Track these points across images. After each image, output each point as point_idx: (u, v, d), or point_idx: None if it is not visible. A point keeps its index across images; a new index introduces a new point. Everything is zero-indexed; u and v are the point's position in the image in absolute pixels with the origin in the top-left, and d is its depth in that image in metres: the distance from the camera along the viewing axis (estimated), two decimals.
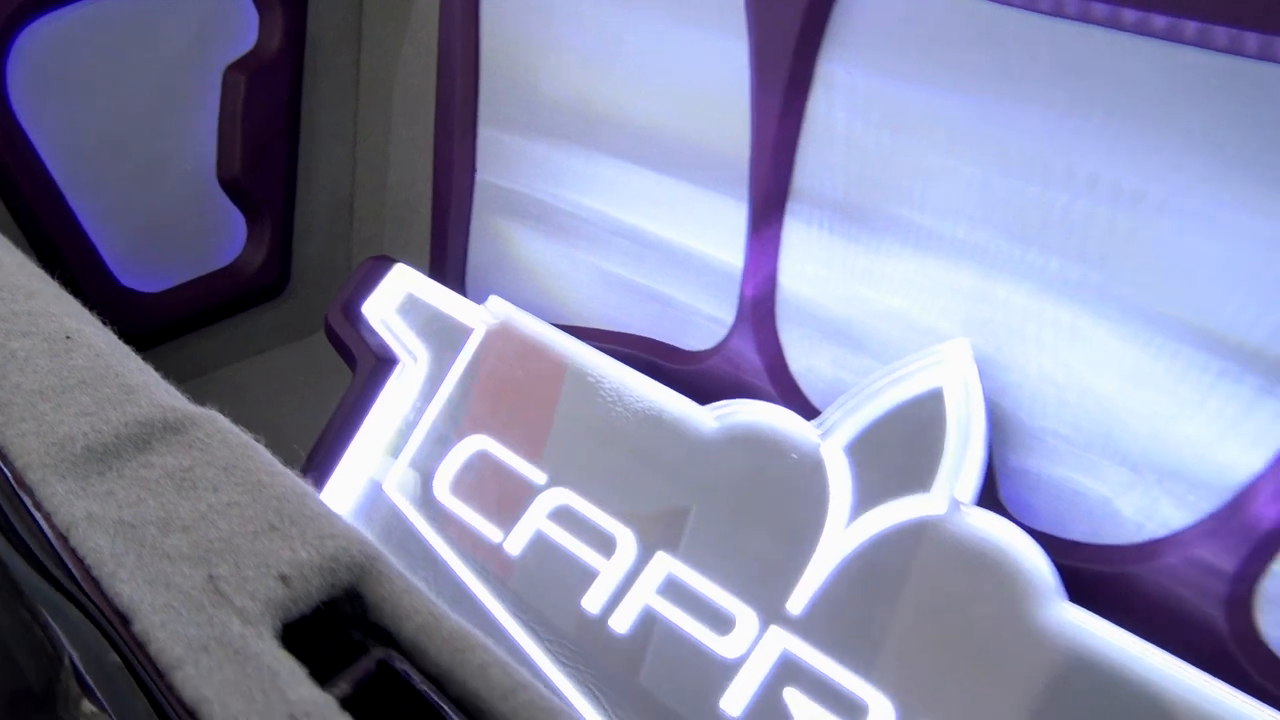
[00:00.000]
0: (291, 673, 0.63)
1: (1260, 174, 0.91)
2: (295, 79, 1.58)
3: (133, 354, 0.90)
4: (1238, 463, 0.93)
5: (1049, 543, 1.03)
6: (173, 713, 0.61)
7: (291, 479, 0.77)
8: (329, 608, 0.71)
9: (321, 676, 0.65)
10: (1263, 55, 0.89)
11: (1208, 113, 0.92)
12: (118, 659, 0.65)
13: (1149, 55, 0.93)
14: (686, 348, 1.29)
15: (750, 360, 1.21)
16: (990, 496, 1.06)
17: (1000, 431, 1.06)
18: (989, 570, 0.91)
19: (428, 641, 0.68)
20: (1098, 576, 0.99)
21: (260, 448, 0.80)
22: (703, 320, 1.28)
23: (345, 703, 0.64)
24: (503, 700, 0.64)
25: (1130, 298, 0.99)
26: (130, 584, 0.67)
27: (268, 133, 1.57)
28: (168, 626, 0.65)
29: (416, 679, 0.65)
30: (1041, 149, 1.02)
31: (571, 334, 1.24)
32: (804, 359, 1.20)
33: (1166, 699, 0.84)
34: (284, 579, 0.69)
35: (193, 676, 0.62)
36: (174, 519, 0.73)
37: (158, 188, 1.54)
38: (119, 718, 0.64)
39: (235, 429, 0.81)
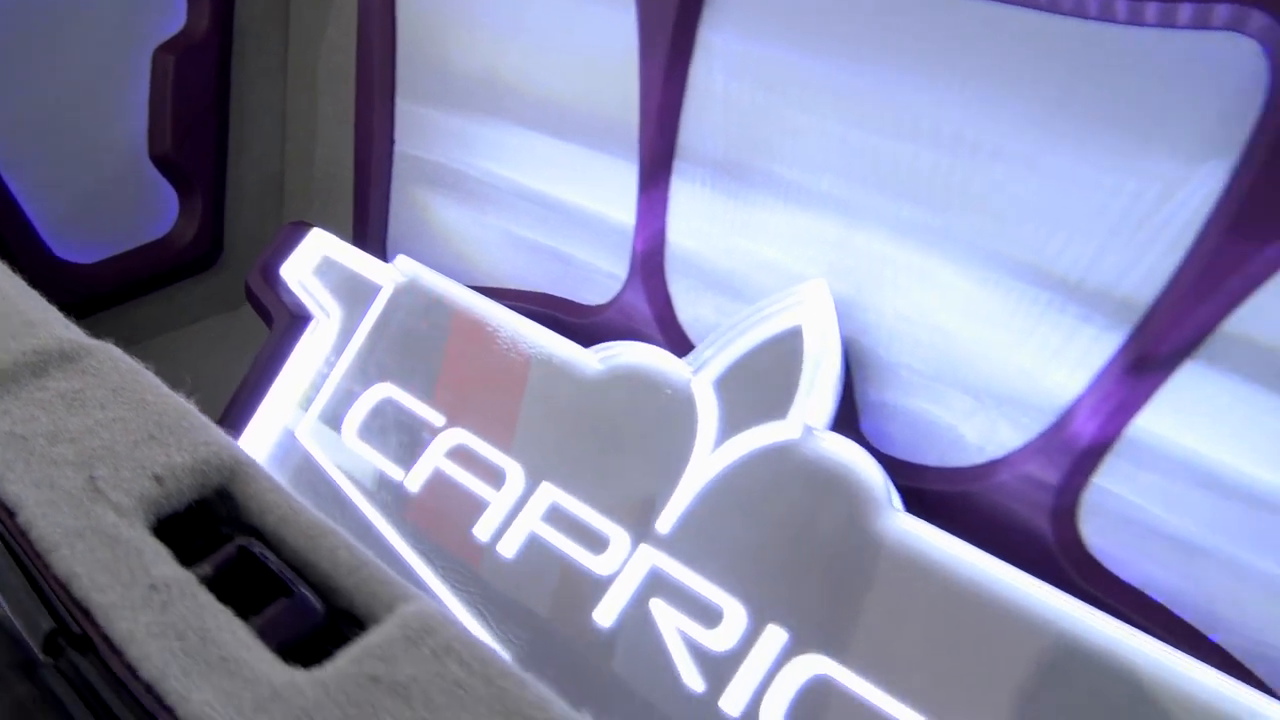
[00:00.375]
0: (157, 554, 0.70)
1: (1077, 121, 0.99)
2: (224, 59, 1.65)
3: (38, 296, 0.97)
4: (1062, 386, 1.02)
5: (904, 468, 1.11)
6: (47, 587, 0.69)
7: (175, 399, 0.85)
8: (202, 507, 0.78)
9: (188, 562, 0.73)
10: (1076, 12, 0.98)
11: (1031, 66, 1.01)
12: (1, 545, 0.72)
13: (981, 15, 1.02)
14: (586, 302, 1.37)
15: (642, 311, 1.29)
16: (851, 428, 1.14)
17: (861, 368, 1.15)
18: (833, 486, 1.00)
19: (286, 531, 0.75)
20: (944, 496, 1.07)
21: (149, 373, 0.87)
22: (601, 276, 1.36)
23: (207, 582, 0.71)
24: (348, 576, 0.71)
25: (970, 239, 1.07)
26: (18, 484, 0.75)
27: (197, 110, 1.64)
28: (48, 517, 0.72)
29: (273, 562, 0.73)
30: (893, 106, 1.10)
31: (482, 294, 1.31)
32: (690, 308, 1.28)
33: (990, 596, 0.92)
34: (158, 479, 0.76)
35: (67, 557, 0.69)
36: (62, 432, 0.80)
37: (91, 163, 1.60)
38: (1, 593, 0.71)
39: (128, 358, 0.89)
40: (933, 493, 1.08)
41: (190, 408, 0.84)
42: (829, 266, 1.16)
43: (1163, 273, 0.96)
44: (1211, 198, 0.93)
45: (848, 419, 1.13)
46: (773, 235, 1.21)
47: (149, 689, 0.62)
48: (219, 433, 0.82)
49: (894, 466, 1.11)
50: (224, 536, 0.77)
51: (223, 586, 0.72)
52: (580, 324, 1.34)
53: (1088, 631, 0.90)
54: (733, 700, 0.95)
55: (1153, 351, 0.96)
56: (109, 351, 0.89)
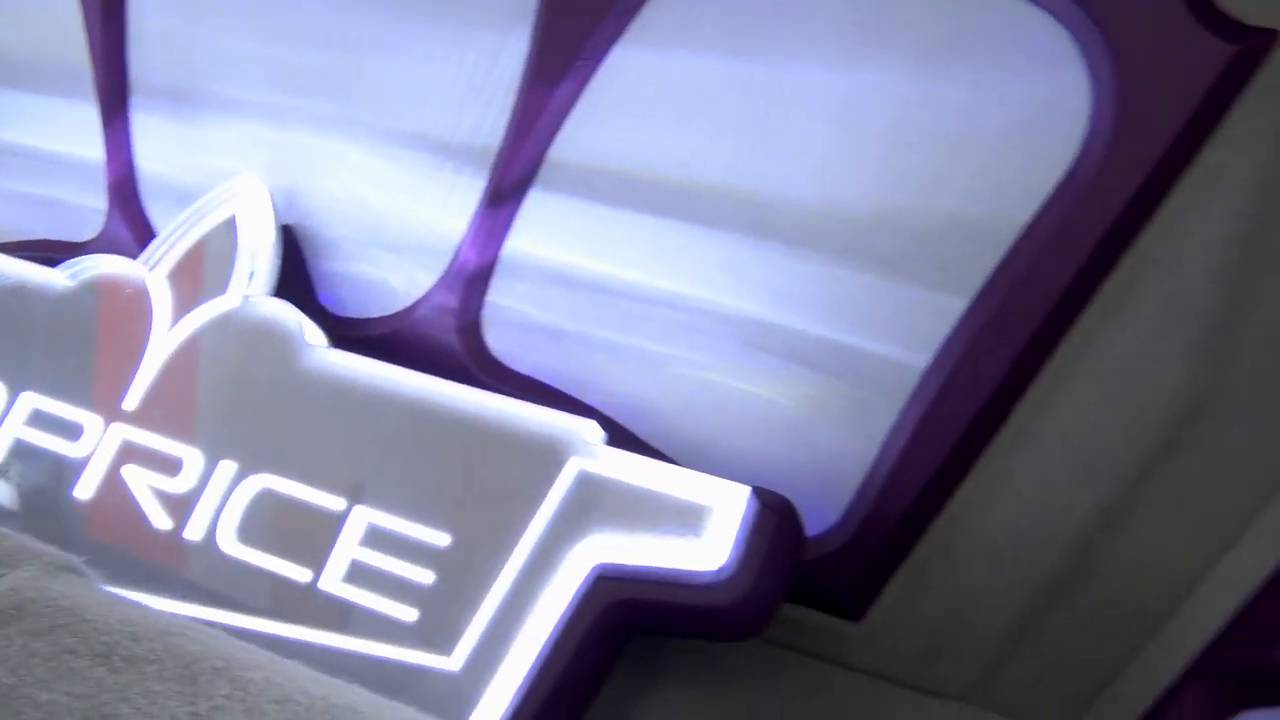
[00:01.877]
0: None
1: (420, 9, 1.21)
2: None
3: None
4: (453, 228, 1.25)
5: (355, 324, 1.31)
6: None
7: None
8: None
9: None
10: None
11: None
12: None
13: None
14: (79, 240, 1.46)
15: (124, 237, 1.41)
16: (310, 302, 1.32)
17: (311, 247, 1.33)
18: (265, 339, 1.17)
19: None
20: (386, 338, 1.27)
21: None
22: (89, 213, 1.46)
23: None
24: None
25: (369, 122, 1.27)
26: None
27: None
28: None
29: None
30: (295, 19, 1.28)
31: None
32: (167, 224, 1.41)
33: (393, 396, 1.12)
34: None
35: None
36: None
37: None
38: None
39: None
40: (377, 337, 1.28)
41: None
42: (269, 165, 1.33)
43: (502, 123, 1.20)
44: (522, 57, 1.18)
45: (306, 295, 1.31)
46: (224, 147, 1.36)
47: None
48: None
49: (348, 325, 1.31)
50: None
51: None
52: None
53: (484, 410, 1.12)
54: (195, 528, 1.11)
55: (504, 186, 1.20)
56: None
